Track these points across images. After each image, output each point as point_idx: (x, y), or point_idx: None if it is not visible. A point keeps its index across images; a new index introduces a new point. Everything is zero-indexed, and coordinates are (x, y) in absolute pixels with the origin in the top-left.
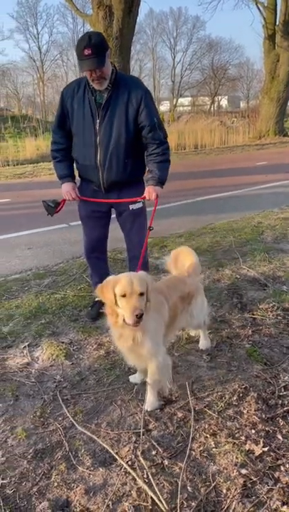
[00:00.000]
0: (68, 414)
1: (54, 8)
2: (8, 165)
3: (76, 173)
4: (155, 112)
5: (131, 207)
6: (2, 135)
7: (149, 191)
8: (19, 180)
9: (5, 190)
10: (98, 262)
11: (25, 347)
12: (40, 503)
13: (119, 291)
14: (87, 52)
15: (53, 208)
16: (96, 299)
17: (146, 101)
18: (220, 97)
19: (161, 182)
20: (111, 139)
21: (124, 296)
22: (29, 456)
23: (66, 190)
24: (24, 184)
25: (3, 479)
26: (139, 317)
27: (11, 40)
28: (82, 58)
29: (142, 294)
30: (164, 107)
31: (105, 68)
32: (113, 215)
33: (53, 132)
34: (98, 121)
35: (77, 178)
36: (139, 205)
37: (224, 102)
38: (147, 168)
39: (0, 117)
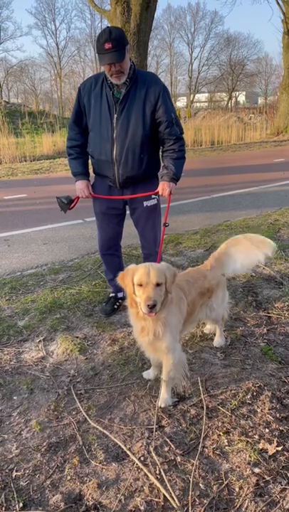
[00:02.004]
0: (82, 409)
1: (72, 3)
2: (25, 160)
3: (91, 169)
4: (172, 108)
5: (145, 203)
6: (19, 131)
7: (163, 187)
8: (36, 176)
9: (22, 186)
10: (112, 258)
11: (40, 341)
12: (53, 495)
13: (136, 280)
14: (107, 46)
15: (67, 204)
16: (110, 295)
17: (164, 97)
18: (237, 93)
19: (175, 178)
20: (128, 133)
21: (140, 285)
22: (43, 449)
23: (80, 188)
24: (41, 180)
25: (17, 471)
26: (151, 307)
27: (29, 36)
28: (102, 52)
29: (158, 285)
30: (180, 103)
31: (124, 62)
32: (127, 212)
33: (69, 128)
34: (116, 115)
35: (92, 174)
36: (153, 202)
37: (242, 98)
38: (162, 164)
39: (17, 113)
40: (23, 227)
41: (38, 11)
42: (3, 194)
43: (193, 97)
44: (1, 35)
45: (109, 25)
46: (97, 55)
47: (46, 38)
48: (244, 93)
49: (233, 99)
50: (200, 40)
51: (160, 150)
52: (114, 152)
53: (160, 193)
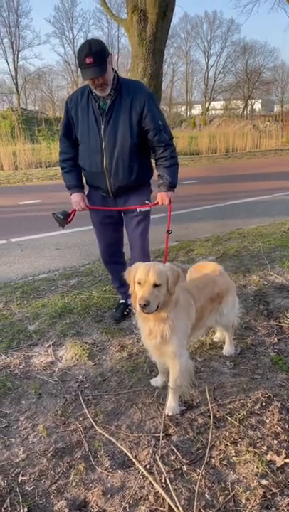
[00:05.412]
0: (89, 415)
1: (90, 12)
2: (41, 166)
3: (84, 181)
4: (159, 114)
5: (139, 209)
6: (36, 137)
7: (162, 197)
8: (50, 182)
9: (36, 192)
10: (116, 266)
11: (49, 346)
12: (58, 501)
13: (136, 279)
14: (88, 60)
15: (63, 219)
16: (120, 301)
17: (150, 105)
18: (253, 101)
19: (172, 186)
20: (116, 144)
21: (139, 283)
22: (49, 454)
23: (75, 201)
24: (55, 186)
25: (23, 476)
26: (142, 306)
27: (47, 44)
28: (83, 67)
29: (157, 285)
30: (196, 111)
31: (107, 75)
32: None
33: (60, 142)
34: (103, 127)
35: (86, 185)
36: (146, 208)
37: (258, 106)
38: (157, 173)
39: (34, 120)
40: (37, 232)
41: (57, 20)
42: (18, 199)
43: (209, 104)
44: (20, 44)
45: (126, 33)
46: (79, 69)
47: (64, 46)
48: (260, 101)
49: (249, 106)
50: (216, 48)
51: (151, 157)
52: (104, 163)
53: (160, 204)
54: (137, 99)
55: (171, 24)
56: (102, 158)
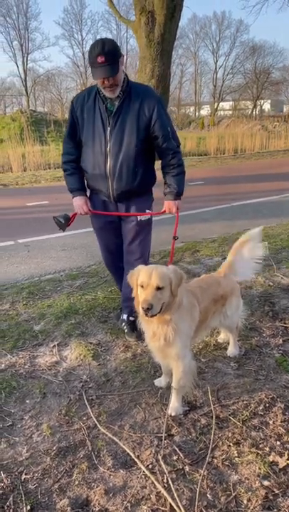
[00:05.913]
0: (92, 415)
1: (98, 14)
2: (49, 168)
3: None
4: (168, 121)
5: (139, 217)
6: (45, 139)
7: (169, 206)
8: (58, 183)
9: (44, 193)
10: (120, 271)
11: (54, 346)
12: (60, 500)
13: (139, 281)
14: (100, 59)
15: (64, 223)
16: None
17: (159, 111)
18: (262, 101)
19: (179, 195)
20: (122, 147)
21: (142, 286)
22: (52, 453)
23: (78, 204)
24: (63, 187)
25: (26, 474)
26: (145, 310)
27: (56, 46)
28: (95, 66)
29: (159, 288)
30: (204, 111)
31: (118, 76)
32: None
33: (64, 142)
34: (109, 129)
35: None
36: (147, 216)
37: (267, 106)
38: (164, 181)
39: (43, 121)
40: (44, 233)
41: (66, 22)
42: (26, 201)
43: (218, 105)
44: (30, 46)
45: (134, 35)
46: (89, 67)
47: (73, 48)
48: (269, 101)
49: (258, 107)
50: (225, 48)
51: (155, 162)
52: (108, 166)
53: (167, 212)
54: (146, 104)
55: (180, 25)
56: (106, 161)
